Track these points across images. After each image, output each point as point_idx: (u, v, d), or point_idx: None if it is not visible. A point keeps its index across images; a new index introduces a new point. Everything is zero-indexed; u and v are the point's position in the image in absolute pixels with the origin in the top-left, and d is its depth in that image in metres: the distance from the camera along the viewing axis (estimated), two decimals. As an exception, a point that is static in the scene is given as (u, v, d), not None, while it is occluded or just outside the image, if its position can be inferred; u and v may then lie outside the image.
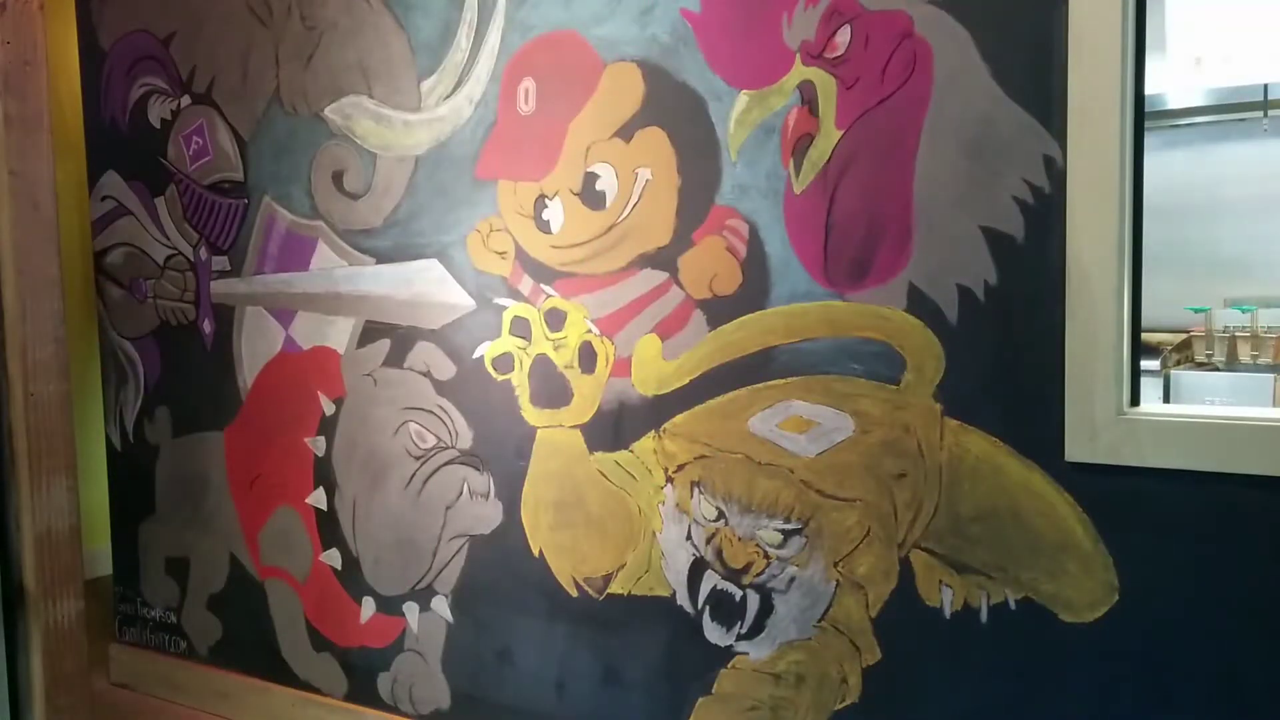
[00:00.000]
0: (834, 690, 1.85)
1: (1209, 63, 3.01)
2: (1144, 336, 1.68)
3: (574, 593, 2.14)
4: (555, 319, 2.11)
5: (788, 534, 1.88)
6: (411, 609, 2.37)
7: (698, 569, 1.98)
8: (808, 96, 1.79)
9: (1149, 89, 1.63)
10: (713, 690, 1.97)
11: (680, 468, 1.98)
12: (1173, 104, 3.34)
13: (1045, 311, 1.62)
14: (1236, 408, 1.70)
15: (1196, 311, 3.37)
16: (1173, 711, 1.58)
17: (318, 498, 2.50)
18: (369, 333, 2.39)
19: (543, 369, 2.13)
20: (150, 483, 2.83)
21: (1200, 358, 3.33)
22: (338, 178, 2.40)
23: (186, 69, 2.64)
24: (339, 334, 2.44)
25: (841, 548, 1.83)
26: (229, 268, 2.61)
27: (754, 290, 1.88)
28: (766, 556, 1.90)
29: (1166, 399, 3.07)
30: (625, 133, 1.98)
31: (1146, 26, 1.57)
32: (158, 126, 2.71)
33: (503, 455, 2.20)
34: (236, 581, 2.68)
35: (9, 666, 1.66)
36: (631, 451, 2.04)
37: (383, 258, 2.35)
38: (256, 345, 2.59)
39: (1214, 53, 3.00)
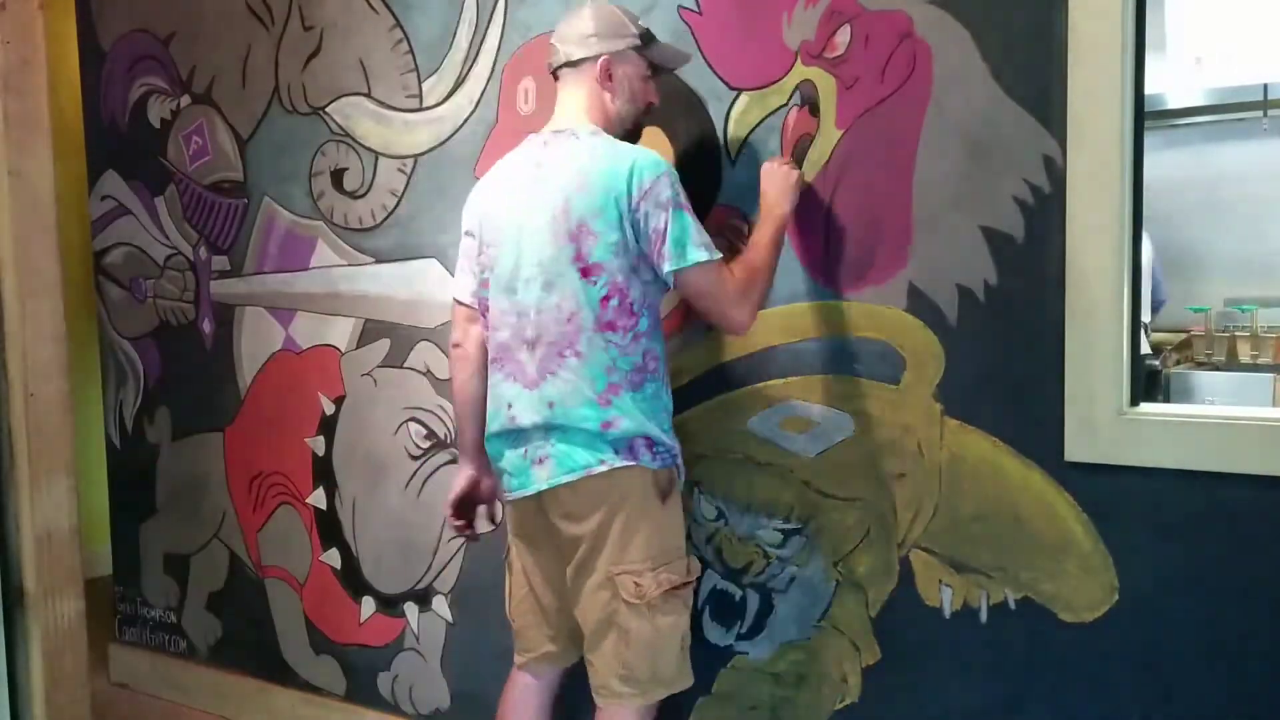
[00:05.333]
0: (834, 690, 1.85)
1: (1209, 63, 3.01)
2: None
3: (574, 593, 2.14)
4: (555, 319, 2.10)
5: (788, 534, 1.88)
6: (411, 609, 2.37)
7: (698, 569, 1.98)
8: (808, 96, 1.79)
9: (1149, 89, 1.63)
10: (713, 690, 1.97)
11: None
12: (1173, 104, 3.34)
13: (1045, 311, 1.62)
14: (1236, 408, 1.70)
15: (1196, 311, 3.37)
16: (1172, 711, 1.58)
17: (318, 498, 2.50)
18: (369, 332, 2.39)
19: (543, 369, 2.13)
20: (150, 483, 2.83)
21: (1200, 358, 3.33)
22: (337, 177, 2.40)
23: (186, 69, 2.64)
24: (339, 334, 2.44)
25: (841, 548, 1.82)
26: (229, 268, 2.61)
27: (754, 290, 1.87)
28: (766, 556, 1.90)
29: (1166, 399, 3.07)
30: (625, 133, 1.98)
31: (1146, 26, 1.57)
32: (158, 126, 2.71)
33: (503, 455, 2.20)
34: (236, 581, 2.68)
35: (9, 666, 1.66)
36: (631, 451, 2.04)
37: (382, 257, 2.35)
38: (256, 345, 2.59)
39: (1214, 53, 2.99)
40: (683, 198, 1.61)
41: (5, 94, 1.58)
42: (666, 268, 1.60)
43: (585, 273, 1.61)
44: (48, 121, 1.64)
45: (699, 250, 1.59)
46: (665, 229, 1.58)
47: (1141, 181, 1.59)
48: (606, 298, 1.62)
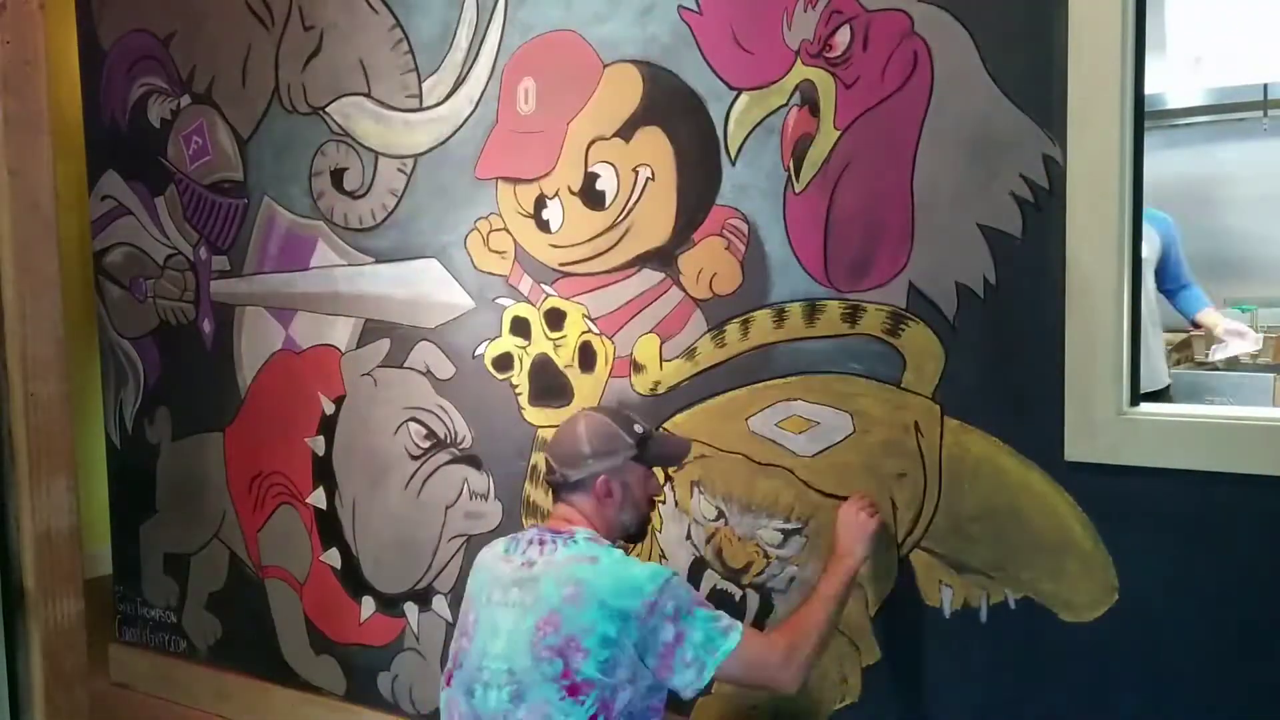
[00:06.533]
0: (834, 690, 1.85)
1: (1209, 63, 3.01)
2: (1144, 336, 1.68)
3: (574, 593, 2.14)
4: (555, 318, 2.10)
5: (788, 534, 1.88)
6: (411, 609, 2.37)
7: (698, 568, 1.98)
8: (808, 96, 1.79)
9: (1149, 89, 1.63)
10: (712, 690, 1.97)
11: (680, 467, 1.98)
12: (1173, 104, 3.34)
13: (1045, 311, 1.62)
14: (1236, 408, 1.70)
15: (1197, 311, 3.36)
16: (1172, 711, 1.58)
17: (318, 498, 2.50)
18: (369, 332, 2.39)
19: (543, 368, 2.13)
20: (150, 483, 2.83)
21: (1200, 358, 3.33)
22: (337, 177, 2.40)
23: (186, 69, 2.64)
24: (339, 334, 2.44)
25: (841, 547, 1.82)
26: (229, 267, 2.61)
27: (754, 290, 1.87)
28: (766, 556, 1.90)
29: (1166, 399, 3.07)
30: (625, 132, 1.98)
31: (1146, 26, 1.57)
32: (158, 126, 2.71)
33: (503, 455, 2.20)
34: (236, 581, 2.68)
35: (9, 666, 1.66)
36: (631, 451, 2.04)
37: (382, 257, 2.35)
38: (256, 345, 2.59)
39: (1214, 53, 2.99)
40: (692, 597, 1.57)
41: (5, 94, 1.58)
42: (691, 685, 1.52)
43: (572, 690, 1.50)
44: (48, 121, 1.64)
45: (726, 637, 1.53)
46: (679, 640, 1.52)
47: (1141, 181, 1.59)
48: (594, 716, 1.51)
